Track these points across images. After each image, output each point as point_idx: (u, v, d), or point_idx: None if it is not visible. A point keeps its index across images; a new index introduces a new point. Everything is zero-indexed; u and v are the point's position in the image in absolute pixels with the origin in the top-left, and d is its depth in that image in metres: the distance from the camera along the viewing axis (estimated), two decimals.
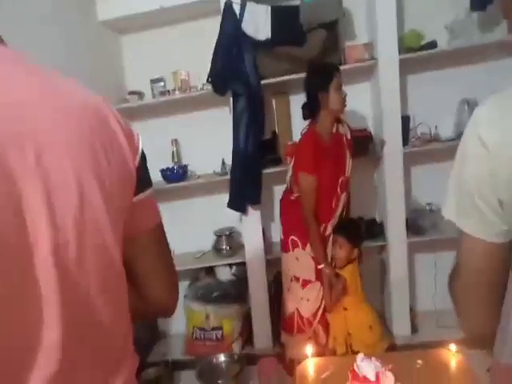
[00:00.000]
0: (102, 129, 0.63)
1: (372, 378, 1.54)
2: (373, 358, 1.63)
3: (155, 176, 2.97)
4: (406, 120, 2.68)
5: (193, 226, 3.15)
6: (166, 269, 0.80)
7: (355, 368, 1.58)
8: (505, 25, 2.54)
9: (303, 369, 1.85)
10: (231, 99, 2.68)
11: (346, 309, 2.27)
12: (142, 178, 0.72)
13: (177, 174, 2.95)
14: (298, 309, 2.31)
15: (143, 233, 0.75)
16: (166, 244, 0.81)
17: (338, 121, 2.29)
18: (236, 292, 2.93)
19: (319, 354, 2.21)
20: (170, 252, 0.82)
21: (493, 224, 0.71)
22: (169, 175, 2.92)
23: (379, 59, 2.58)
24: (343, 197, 2.27)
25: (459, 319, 0.88)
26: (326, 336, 2.30)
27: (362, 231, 2.36)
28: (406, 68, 2.68)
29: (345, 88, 2.21)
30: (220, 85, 2.65)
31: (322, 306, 2.28)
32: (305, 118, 2.27)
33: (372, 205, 2.95)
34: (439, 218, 2.80)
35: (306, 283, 2.28)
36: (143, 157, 0.73)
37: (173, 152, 3.08)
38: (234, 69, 2.58)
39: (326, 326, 2.31)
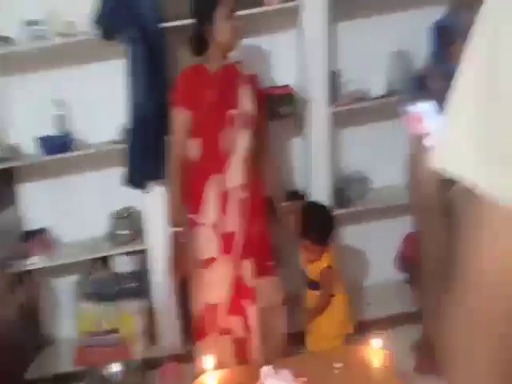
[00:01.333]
0: None
1: None
2: (284, 371, 1.37)
3: (31, 146, 2.44)
4: (334, 75, 2.40)
5: (83, 208, 2.61)
6: None
7: None
8: None
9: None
10: (125, 48, 2.18)
11: (333, 295, 2.01)
12: None
13: (61, 143, 2.40)
14: (207, 301, 1.90)
15: None
16: None
17: (237, 62, 1.97)
18: (137, 285, 2.48)
19: (239, 354, 1.88)
20: None
21: None
22: (49, 145, 2.37)
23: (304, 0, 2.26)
24: (241, 136, 1.86)
25: None
26: (246, 327, 1.90)
27: (329, 218, 2.02)
28: (336, 14, 2.37)
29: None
30: (110, 28, 2.14)
31: (229, 288, 1.87)
32: (194, 55, 1.95)
33: (296, 173, 2.62)
34: (367, 187, 2.62)
35: (209, 262, 1.87)
36: None
37: (55, 115, 2.49)
38: (128, 8, 2.11)
39: (242, 315, 1.89)
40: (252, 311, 1.89)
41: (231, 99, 1.88)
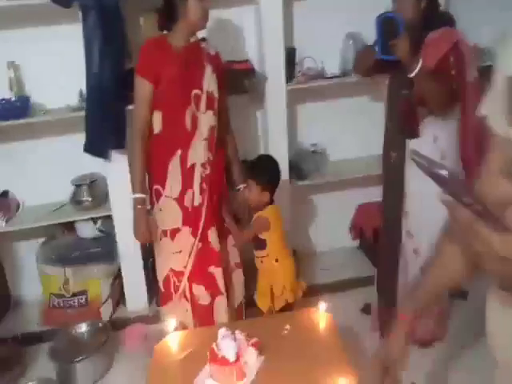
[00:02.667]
0: None
1: (231, 358, 1.37)
2: (237, 332, 1.47)
3: None
4: (291, 52, 2.43)
5: (44, 173, 2.58)
6: None
7: (214, 347, 1.41)
8: None
9: (162, 347, 1.61)
10: (80, 13, 2.09)
11: (277, 260, 2.02)
12: None
13: (16, 107, 2.33)
14: (172, 268, 1.97)
15: None
16: None
17: (202, 39, 1.94)
18: (103, 250, 2.52)
19: (203, 320, 1.99)
20: None
21: None
22: (2, 109, 2.29)
23: None
24: (205, 117, 1.90)
25: None
26: (211, 299, 2.00)
27: (276, 170, 2.04)
28: None
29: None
30: None
31: (193, 257, 1.95)
32: (159, 28, 1.91)
33: (256, 146, 2.68)
34: (323, 161, 2.71)
35: (174, 233, 1.94)
36: None
37: (10, 79, 2.41)
38: None
39: (208, 282, 1.99)
40: (219, 274, 1.99)
41: (196, 78, 1.87)
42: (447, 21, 1.85)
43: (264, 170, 2.00)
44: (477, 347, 2.10)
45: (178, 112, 1.86)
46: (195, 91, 1.86)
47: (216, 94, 1.92)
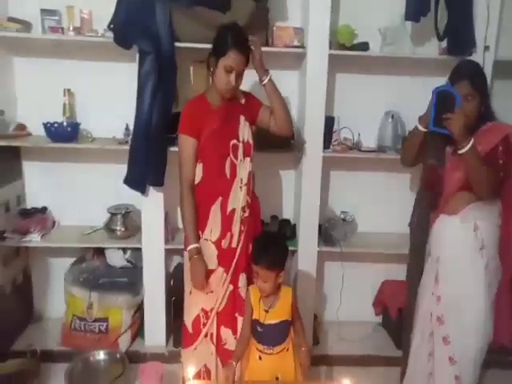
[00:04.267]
0: None
1: None
2: None
3: (36, 129, 2.51)
4: (330, 121, 2.49)
5: (83, 196, 2.69)
6: None
7: None
8: (435, 42, 2.51)
9: None
10: (137, 56, 2.20)
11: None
12: None
13: (66, 131, 2.45)
14: (203, 308, 2.00)
15: None
16: None
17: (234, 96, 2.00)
18: (129, 280, 2.58)
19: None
20: None
21: None
22: (53, 132, 2.42)
23: (308, 48, 2.36)
24: (242, 164, 1.97)
25: None
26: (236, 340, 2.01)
27: (282, 243, 1.89)
28: (336, 66, 2.47)
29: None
30: (123, 36, 2.17)
31: (225, 299, 1.99)
32: (206, 63, 1.97)
33: (288, 205, 2.73)
34: (352, 229, 2.71)
35: (208, 273, 1.98)
36: None
37: (64, 104, 2.54)
38: (142, 21, 2.14)
39: (235, 327, 2.01)
40: (241, 322, 2.00)
41: (233, 130, 1.96)
42: (494, 114, 1.85)
43: (269, 249, 1.81)
44: None
45: (218, 162, 1.94)
46: (233, 142, 1.96)
47: (251, 141, 2.01)
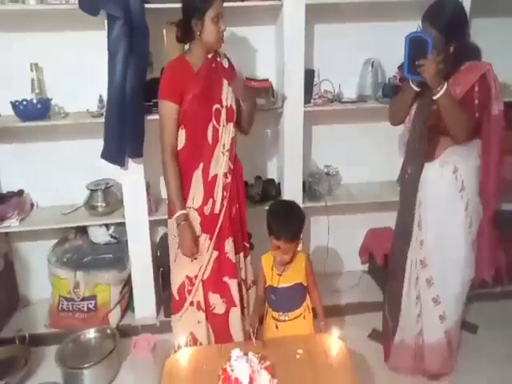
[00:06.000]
0: None
1: (245, 380, 1.38)
2: (250, 354, 1.49)
3: (4, 109, 2.37)
4: (310, 74, 2.44)
5: (60, 175, 2.60)
6: None
7: (227, 368, 1.42)
8: None
9: (173, 363, 1.61)
10: (105, 22, 2.11)
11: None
12: None
13: (35, 109, 2.33)
14: (188, 275, 1.99)
15: None
16: None
17: (216, 53, 1.96)
18: (114, 256, 2.54)
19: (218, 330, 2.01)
20: None
21: None
22: (23, 110, 2.30)
23: (284, 1, 2.26)
24: (225, 130, 1.94)
25: None
26: (226, 308, 2.02)
27: (299, 212, 1.86)
28: (314, 16, 2.40)
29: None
30: (90, 1, 2.06)
31: (210, 265, 1.97)
32: (178, 40, 1.95)
33: (272, 164, 2.70)
34: (336, 183, 2.71)
35: (196, 239, 1.96)
36: None
37: (32, 80, 2.42)
38: None
39: (223, 291, 2.01)
40: (233, 285, 2.01)
41: (216, 94, 1.91)
42: (475, 52, 1.84)
43: (289, 222, 1.79)
44: (485, 380, 2.12)
45: (200, 128, 1.90)
46: (216, 106, 1.91)
47: (234, 107, 1.97)
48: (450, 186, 1.88)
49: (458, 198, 1.88)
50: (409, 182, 2.00)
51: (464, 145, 1.83)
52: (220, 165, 1.93)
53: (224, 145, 1.93)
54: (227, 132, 1.94)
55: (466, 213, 1.89)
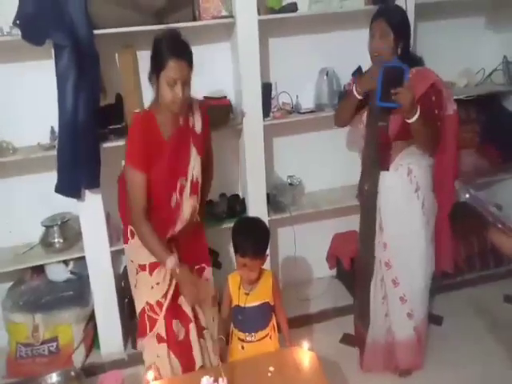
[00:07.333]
0: None
1: None
2: (220, 380, 1.44)
3: None
4: (267, 87, 2.48)
5: (12, 214, 2.47)
6: None
7: None
8: None
9: None
10: (53, 51, 2.07)
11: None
12: None
13: None
14: (147, 301, 1.91)
15: None
16: None
17: (188, 111, 1.90)
18: (75, 293, 2.41)
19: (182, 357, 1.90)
20: None
21: None
22: None
23: (237, 18, 2.31)
24: (188, 202, 1.92)
25: None
26: (186, 329, 1.94)
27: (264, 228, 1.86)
28: (267, 30, 2.47)
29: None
30: (33, 31, 2.02)
31: (172, 288, 1.90)
32: (149, 80, 1.82)
33: (235, 180, 2.69)
34: (300, 192, 2.75)
35: (153, 267, 1.90)
36: None
37: None
38: (53, 11, 1.99)
39: (183, 318, 1.94)
40: (185, 303, 1.94)
41: (182, 167, 1.88)
42: (417, 61, 1.94)
43: (254, 239, 1.77)
44: (454, 371, 2.16)
45: (164, 197, 1.88)
46: (181, 181, 1.89)
47: (200, 179, 1.94)
48: (405, 188, 1.95)
49: (414, 198, 1.96)
50: (367, 197, 2.08)
51: (417, 147, 1.91)
52: (184, 222, 1.94)
53: (184, 215, 1.92)
54: (189, 204, 1.92)
55: (423, 211, 1.97)
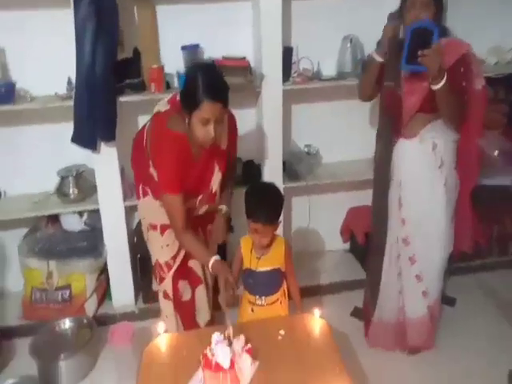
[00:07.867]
0: None
1: (226, 365, 1.34)
2: (235, 339, 1.45)
3: None
4: (288, 51, 2.39)
5: (29, 162, 2.49)
6: None
7: (207, 353, 1.37)
8: None
9: (152, 350, 1.57)
10: (71, 0, 2.01)
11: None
12: None
13: (1, 93, 2.20)
14: (157, 260, 1.95)
15: None
16: None
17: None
18: (89, 244, 2.45)
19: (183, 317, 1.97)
20: None
21: None
22: None
23: None
24: (203, 208, 1.92)
25: None
26: (192, 291, 2.00)
27: (278, 194, 1.81)
28: None
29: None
30: None
31: (183, 252, 1.93)
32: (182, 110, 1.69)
33: (252, 145, 2.62)
34: (316, 162, 2.69)
35: (164, 228, 1.91)
36: None
37: None
38: None
39: (193, 280, 1.99)
40: (197, 265, 1.98)
41: (206, 183, 1.85)
42: (445, 32, 1.85)
43: (266, 205, 1.74)
44: (465, 353, 2.16)
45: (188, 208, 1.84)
46: (202, 195, 1.86)
47: (218, 190, 1.89)
48: (429, 163, 1.89)
49: (438, 174, 1.89)
50: (378, 160, 2.02)
51: (443, 121, 1.84)
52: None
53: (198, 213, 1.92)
54: (203, 210, 1.92)
55: (445, 189, 1.91)
